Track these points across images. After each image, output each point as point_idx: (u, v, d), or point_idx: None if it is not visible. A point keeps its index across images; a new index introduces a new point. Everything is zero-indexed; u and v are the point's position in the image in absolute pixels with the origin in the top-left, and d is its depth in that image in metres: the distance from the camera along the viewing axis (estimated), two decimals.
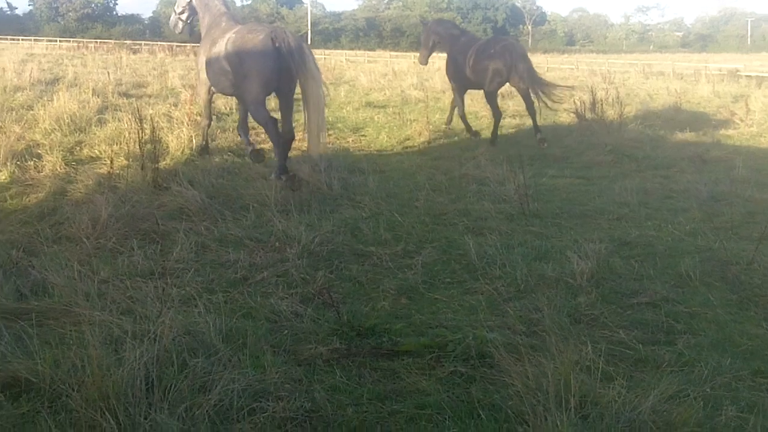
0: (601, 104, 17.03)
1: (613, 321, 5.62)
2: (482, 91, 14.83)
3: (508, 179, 10.04)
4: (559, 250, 7.21)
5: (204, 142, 11.80)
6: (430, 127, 15.08)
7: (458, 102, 15.42)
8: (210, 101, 11.50)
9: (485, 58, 14.31)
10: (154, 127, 9.82)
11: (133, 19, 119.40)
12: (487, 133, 15.09)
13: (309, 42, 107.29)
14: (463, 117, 15.33)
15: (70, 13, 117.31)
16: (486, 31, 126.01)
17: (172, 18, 12.68)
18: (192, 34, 12.71)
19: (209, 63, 10.54)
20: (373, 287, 6.33)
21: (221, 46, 10.16)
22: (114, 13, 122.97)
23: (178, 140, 11.91)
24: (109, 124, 13.53)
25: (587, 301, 5.95)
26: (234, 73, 9.98)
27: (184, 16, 12.31)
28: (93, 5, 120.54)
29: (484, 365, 4.79)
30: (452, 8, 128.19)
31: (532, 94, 14.25)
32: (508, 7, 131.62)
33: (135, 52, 58.08)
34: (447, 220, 8.44)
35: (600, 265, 6.65)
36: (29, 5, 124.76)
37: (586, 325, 5.56)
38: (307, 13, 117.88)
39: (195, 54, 13.67)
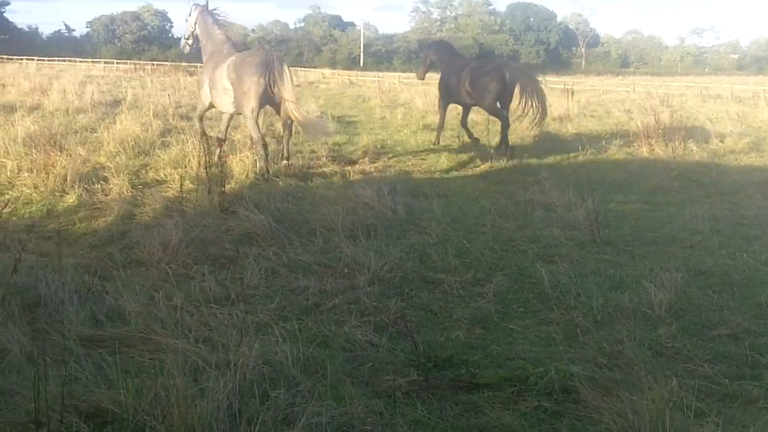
0: (664, 128, 16.77)
1: (696, 354, 5.45)
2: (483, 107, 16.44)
3: (575, 205, 9.91)
4: (635, 279, 7.05)
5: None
6: (491, 150, 14.96)
7: (442, 116, 17.62)
8: (203, 116, 14.10)
9: (482, 76, 15.81)
10: (221, 151, 9.84)
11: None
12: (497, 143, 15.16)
13: (362, 65, 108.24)
14: (440, 128, 17.56)
15: (127, 35, 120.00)
16: (539, 53, 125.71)
17: (181, 42, 14.93)
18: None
19: (212, 83, 12.84)
20: (445, 316, 6.25)
21: (224, 69, 12.48)
22: (169, 35, 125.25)
23: (242, 164, 12.01)
24: (173, 147, 13.68)
25: (668, 333, 5.79)
26: (235, 91, 12.28)
27: (190, 42, 14.62)
28: (149, 27, 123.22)
29: (569, 400, 4.66)
30: (505, 30, 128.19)
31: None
32: (561, 29, 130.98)
33: (191, 74, 58.89)
34: (516, 246, 8.33)
35: (678, 296, 6.49)
36: (86, 27, 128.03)
37: (669, 358, 5.41)
38: (359, 36, 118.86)
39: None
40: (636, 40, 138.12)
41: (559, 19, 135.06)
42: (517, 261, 7.75)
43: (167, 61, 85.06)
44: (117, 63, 78.17)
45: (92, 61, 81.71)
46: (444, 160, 14.75)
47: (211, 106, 13.36)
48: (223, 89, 12.55)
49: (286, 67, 12.29)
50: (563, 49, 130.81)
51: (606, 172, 13.57)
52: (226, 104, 12.71)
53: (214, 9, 14.09)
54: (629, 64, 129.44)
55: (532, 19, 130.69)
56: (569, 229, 8.95)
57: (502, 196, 11.30)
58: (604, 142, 17.28)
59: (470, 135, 16.82)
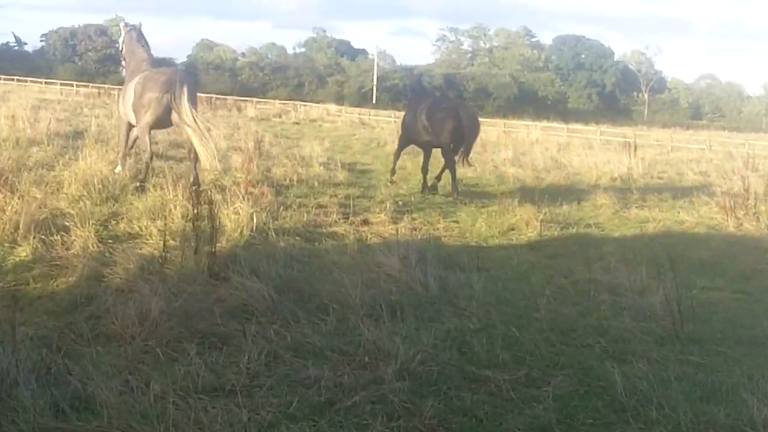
0: (754, 198, 16.74)
1: None
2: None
3: (650, 289, 9.82)
4: (730, 388, 6.91)
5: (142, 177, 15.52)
6: (541, 215, 14.95)
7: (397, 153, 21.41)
8: (128, 135, 16.68)
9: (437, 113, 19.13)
10: (211, 201, 9.81)
11: (164, 63, 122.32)
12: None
13: (374, 101, 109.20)
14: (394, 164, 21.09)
15: (90, 53, 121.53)
16: (591, 98, 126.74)
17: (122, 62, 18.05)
18: None
19: (126, 97, 15.81)
20: (494, 425, 6.11)
21: (133, 82, 15.50)
22: None
23: (235, 217, 11.97)
24: (149, 193, 13.68)
25: None
26: (135, 103, 15.18)
27: (123, 63, 17.69)
28: (117, 45, 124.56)
29: None
30: (550, 68, 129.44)
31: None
32: (619, 69, 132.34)
33: None
34: (578, 339, 8.20)
35: None
36: (41, 41, 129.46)
37: None
38: (372, 66, 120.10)
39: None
40: (711, 86, 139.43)
41: (616, 58, 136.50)
42: (581, 358, 7.62)
43: None
44: (77, 86, 79.05)
45: (47, 82, 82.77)
46: (482, 224, 14.73)
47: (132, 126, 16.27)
48: (130, 101, 15.57)
49: (186, 90, 14.95)
50: (621, 94, 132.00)
51: (684, 249, 13.48)
52: (127, 111, 15.91)
53: (140, 26, 17.65)
54: (702, 115, 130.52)
55: (583, 56, 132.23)
56: (644, 320, 8.82)
57: (557, 273, 11.20)
58: (678, 211, 17.23)
59: (425, 183, 19.81)
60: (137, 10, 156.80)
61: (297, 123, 53.09)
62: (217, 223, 10.26)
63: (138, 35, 17.26)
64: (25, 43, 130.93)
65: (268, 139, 29.12)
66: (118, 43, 17.91)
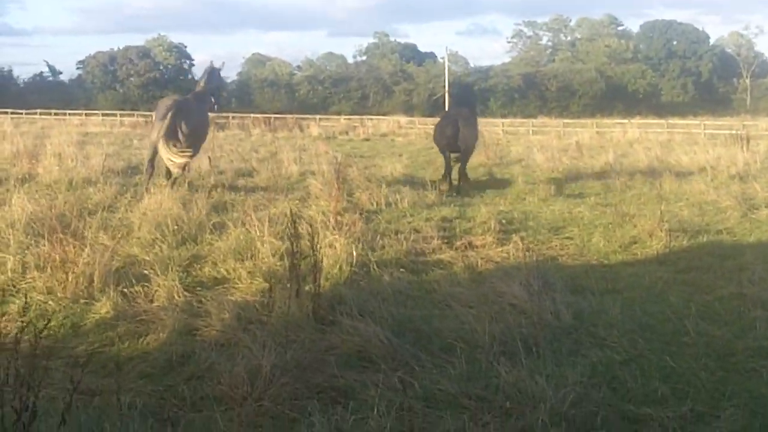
0: None
1: None
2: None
3: None
4: None
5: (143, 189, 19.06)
6: (665, 225, 14.64)
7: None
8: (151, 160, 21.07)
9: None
10: (312, 237, 9.72)
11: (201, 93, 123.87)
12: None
13: (447, 108, 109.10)
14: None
15: (132, 79, 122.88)
16: (686, 88, 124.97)
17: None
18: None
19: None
20: None
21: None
22: (188, 76, 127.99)
23: (332, 251, 11.87)
24: (230, 231, 13.66)
25: None
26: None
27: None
28: (161, 67, 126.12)
29: None
30: (639, 58, 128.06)
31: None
32: (716, 54, 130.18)
33: (222, 127, 60.15)
34: (740, 364, 7.97)
35: None
36: (78, 68, 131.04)
37: None
38: (443, 71, 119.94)
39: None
40: None
41: (712, 42, 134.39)
42: (749, 385, 7.41)
43: None
44: (121, 115, 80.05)
45: (86, 113, 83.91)
46: (599, 239, 14.49)
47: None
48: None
49: (169, 116, 20.29)
50: (719, 82, 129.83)
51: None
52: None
53: (220, 67, 24.83)
54: None
55: (675, 43, 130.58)
56: None
57: (697, 289, 10.94)
58: None
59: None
60: (179, 28, 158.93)
61: (367, 139, 53.30)
62: (326, 260, 10.17)
63: (211, 74, 23.72)
64: (60, 72, 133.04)
65: (340, 160, 29.15)
66: (192, 73, 26.33)
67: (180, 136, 20.40)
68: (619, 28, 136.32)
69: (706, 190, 20.47)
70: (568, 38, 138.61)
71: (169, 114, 20.22)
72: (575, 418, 6.62)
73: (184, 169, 20.72)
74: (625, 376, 7.50)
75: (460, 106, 26.14)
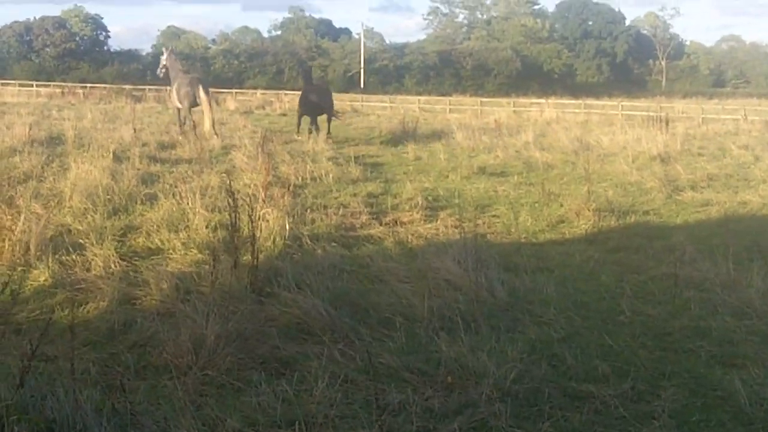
0: None
1: None
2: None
3: (739, 283, 9.73)
4: None
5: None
6: (593, 205, 14.85)
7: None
8: (186, 113, 30.48)
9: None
10: (251, 209, 9.71)
11: (129, 56, 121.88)
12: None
13: (362, 85, 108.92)
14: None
15: (47, 49, 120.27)
16: (601, 69, 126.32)
17: (158, 70, 33.85)
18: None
19: (174, 93, 30.83)
20: None
21: (176, 85, 30.67)
22: (105, 48, 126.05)
23: (265, 225, 11.84)
24: (162, 202, 13.59)
25: None
26: (178, 93, 30.48)
27: (163, 71, 32.78)
28: (77, 38, 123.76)
29: None
30: (555, 38, 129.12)
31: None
32: (631, 36, 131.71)
33: (138, 99, 59.41)
34: (677, 343, 8.10)
35: None
36: None
37: None
38: (359, 47, 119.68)
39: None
40: (734, 49, 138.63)
41: (628, 23, 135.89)
42: (687, 365, 7.51)
43: (103, 82, 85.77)
44: (37, 85, 78.57)
45: (2, 83, 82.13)
46: (526, 218, 14.65)
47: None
48: (176, 95, 30.58)
49: (200, 86, 29.80)
50: (635, 63, 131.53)
51: (757, 234, 13.38)
52: (176, 102, 30.86)
53: (176, 49, 38.93)
54: (725, 81, 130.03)
55: (591, 23, 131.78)
56: (745, 318, 8.73)
57: (628, 269, 11.11)
58: (736, 192, 17.19)
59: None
60: None
61: (284, 114, 52.71)
62: (259, 233, 10.14)
63: (176, 56, 33.94)
64: None
65: (262, 134, 29.00)
66: (160, 61, 33.70)
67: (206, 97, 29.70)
68: (535, 7, 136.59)
69: (629, 171, 20.79)
70: (484, 16, 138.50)
71: (200, 85, 29.96)
72: (518, 394, 6.69)
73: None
74: (565, 354, 7.57)
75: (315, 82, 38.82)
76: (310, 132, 31.29)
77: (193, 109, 30.37)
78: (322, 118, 32.95)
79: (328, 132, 32.21)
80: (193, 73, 34.47)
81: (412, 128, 32.74)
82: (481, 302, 9.05)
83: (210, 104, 29.59)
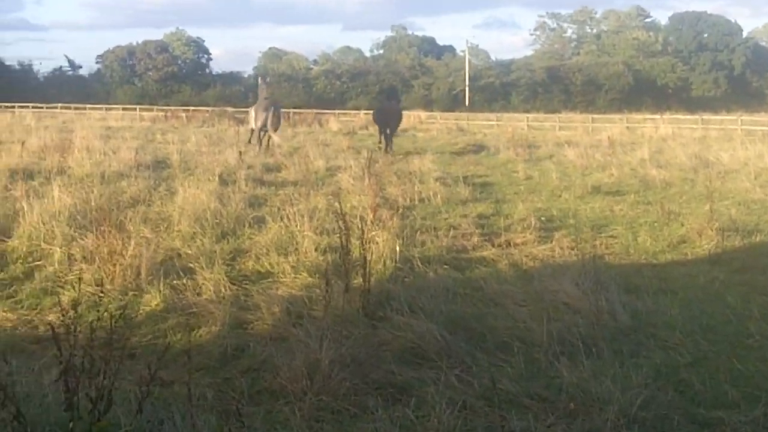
0: None
1: None
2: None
3: None
4: None
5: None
6: (715, 224, 14.58)
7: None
8: (259, 136, 35.39)
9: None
10: (363, 232, 9.77)
11: (231, 78, 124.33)
12: None
13: (468, 103, 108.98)
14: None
15: (150, 73, 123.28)
16: (718, 82, 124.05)
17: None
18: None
19: (253, 116, 36.31)
20: None
21: (255, 109, 36.28)
22: (206, 71, 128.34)
23: (375, 247, 11.88)
24: (270, 225, 13.80)
25: None
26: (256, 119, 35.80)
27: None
28: (179, 62, 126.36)
29: None
30: (669, 51, 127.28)
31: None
32: (749, 47, 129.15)
33: (241, 122, 60.37)
34: None
35: None
36: (97, 63, 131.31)
37: None
38: (463, 65, 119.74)
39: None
40: None
41: (745, 34, 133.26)
42: None
43: (205, 105, 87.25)
44: (140, 109, 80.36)
45: (107, 108, 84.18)
46: (645, 238, 14.45)
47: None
48: (253, 118, 35.97)
49: (272, 111, 34.44)
50: (753, 76, 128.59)
51: None
52: (251, 123, 36.59)
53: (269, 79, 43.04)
54: None
55: (706, 36, 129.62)
56: None
57: (755, 290, 10.85)
58: None
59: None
60: (197, 22, 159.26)
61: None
62: (370, 255, 10.19)
63: (266, 84, 37.19)
64: (80, 67, 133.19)
65: (364, 155, 29.20)
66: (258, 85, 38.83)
67: (277, 120, 35.04)
68: (647, 20, 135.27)
69: (751, 188, 20.43)
70: (594, 30, 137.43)
71: (271, 111, 34.37)
72: (645, 421, 6.59)
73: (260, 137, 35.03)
74: (692, 379, 7.44)
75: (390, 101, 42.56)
76: (380, 142, 37.09)
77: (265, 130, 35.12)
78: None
79: (390, 147, 36.19)
80: (271, 98, 36.64)
81: (524, 145, 32.65)
82: (602, 326, 8.97)
83: (273, 125, 34.71)
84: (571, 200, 19.64)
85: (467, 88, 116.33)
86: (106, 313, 8.47)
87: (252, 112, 36.54)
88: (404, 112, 79.89)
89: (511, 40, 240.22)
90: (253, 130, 36.14)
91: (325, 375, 7.22)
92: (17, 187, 18.10)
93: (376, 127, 39.82)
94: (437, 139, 48.06)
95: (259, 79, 41.34)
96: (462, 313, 9.34)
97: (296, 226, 13.30)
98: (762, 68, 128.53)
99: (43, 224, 13.26)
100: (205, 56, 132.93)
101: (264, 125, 34.47)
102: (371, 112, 46.29)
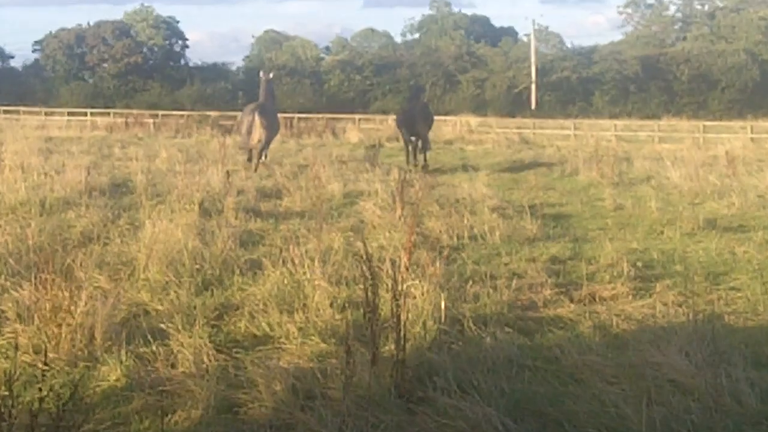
0: None
1: None
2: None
3: None
4: None
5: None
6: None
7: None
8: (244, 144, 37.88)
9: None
10: (394, 281, 9.76)
11: (215, 72, 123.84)
12: None
13: (534, 105, 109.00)
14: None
15: (105, 65, 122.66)
16: None
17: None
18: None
19: (241, 122, 40.31)
20: None
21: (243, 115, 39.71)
22: (182, 62, 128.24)
23: (411, 303, 11.85)
24: (268, 272, 13.79)
25: None
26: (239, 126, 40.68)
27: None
28: (145, 50, 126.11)
29: None
30: None
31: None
32: None
33: (228, 131, 60.58)
34: None
35: None
36: (34, 52, 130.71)
37: None
38: (529, 54, 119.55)
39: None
40: None
41: None
42: None
43: (180, 109, 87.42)
44: (92, 114, 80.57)
45: (47, 112, 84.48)
46: None
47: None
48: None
49: (256, 116, 36.01)
50: None
51: None
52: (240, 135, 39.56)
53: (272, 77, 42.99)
54: None
55: None
56: None
57: None
58: None
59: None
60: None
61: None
62: (405, 314, 10.18)
63: (268, 84, 39.41)
64: (11, 56, 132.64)
65: (394, 176, 29.22)
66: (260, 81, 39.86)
67: (262, 129, 35.58)
68: None
69: None
70: (706, 8, 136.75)
71: (256, 112, 35.80)
72: None
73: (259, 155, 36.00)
74: None
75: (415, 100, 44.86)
76: (408, 155, 39.58)
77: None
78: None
79: (425, 162, 39.07)
80: (263, 101, 38.57)
81: (611, 163, 32.68)
82: (722, 411, 8.94)
83: (260, 135, 35.83)
84: (677, 239, 19.57)
85: (533, 86, 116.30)
86: (50, 392, 8.61)
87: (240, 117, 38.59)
88: (448, 118, 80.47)
89: (592, 19, 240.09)
90: (247, 145, 36.71)
91: None
92: None
93: (401, 137, 42.17)
94: (493, 155, 48.21)
95: (261, 74, 41.73)
96: (531, 393, 9.34)
97: (304, 272, 13.27)
98: None
99: None
100: (180, 42, 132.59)
101: (250, 136, 35.55)
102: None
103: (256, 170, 33.56)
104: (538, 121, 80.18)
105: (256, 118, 35.63)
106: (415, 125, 39.49)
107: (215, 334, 11.45)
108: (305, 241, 16.66)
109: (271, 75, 41.65)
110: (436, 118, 76.19)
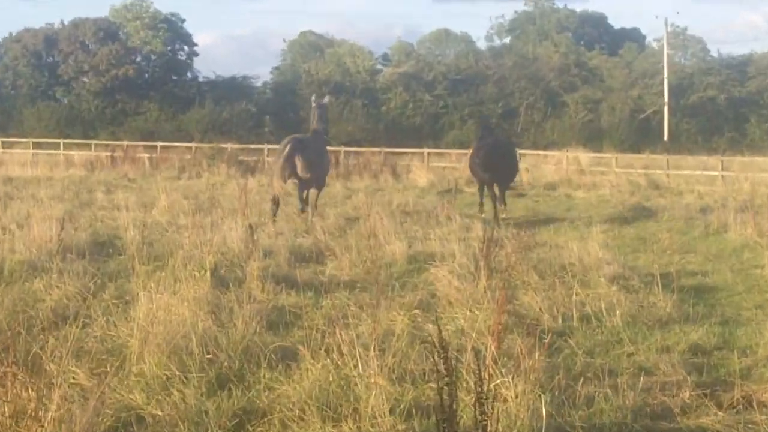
0: None
1: None
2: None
3: None
4: None
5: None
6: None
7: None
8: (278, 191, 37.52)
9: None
10: (478, 378, 9.78)
11: (232, 89, 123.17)
12: None
13: (667, 136, 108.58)
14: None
15: (85, 79, 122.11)
16: None
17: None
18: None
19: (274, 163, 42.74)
20: None
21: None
22: (188, 74, 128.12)
23: (503, 407, 11.89)
24: (306, 364, 13.81)
25: None
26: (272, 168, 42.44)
27: None
28: (139, 59, 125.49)
29: None
30: None
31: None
32: None
33: (251, 169, 60.77)
34: None
35: None
36: None
37: None
38: (661, 65, 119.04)
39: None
40: None
41: None
42: None
43: (185, 139, 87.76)
44: (66, 146, 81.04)
45: (3, 141, 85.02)
46: None
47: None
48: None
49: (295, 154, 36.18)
50: None
51: None
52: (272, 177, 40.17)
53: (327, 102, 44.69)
54: None
55: None
56: None
57: None
58: None
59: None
60: None
61: (521, 195, 53.22)
62: (494, 424, 10.20)
63: (320, 110, 40.23)
64: None
65: (477, 233, 29.19)
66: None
67: (298, 170, 35.85)
68: None
69: None
70: None
71: (287, 148, 35.91)
72: None
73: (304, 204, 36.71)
74: None
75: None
76: (482, 205, 41.74)
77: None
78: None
79: (503, 203, 41.74)
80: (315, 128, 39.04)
81: None
82: None
83: (305, 179, 36.48)
84: None
85: (666, 109, 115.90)
86: None
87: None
88: (550, 153, 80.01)
89: (746, 19, 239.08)
90: (275, 191, 36.70)
91: None
92: None
93: (475, 181, 44.50)
94: (611, 203, 48.23)
95: (313, 99, 42.63)
96: None
97: (355, 365, 13.30)
98: None
99: None
100: (186, 48, 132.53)
101: (285, 178, 36.14)
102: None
103: (311, 217, 34.84)
104: (672, 158, 79.72)
105: (297, 154, 35.58)
106: (495, 166, 40.52)
107: None
108: (356, 322, 16.69)
109: (325, 99, 43.18)
110: (533, 152, 76.90)
